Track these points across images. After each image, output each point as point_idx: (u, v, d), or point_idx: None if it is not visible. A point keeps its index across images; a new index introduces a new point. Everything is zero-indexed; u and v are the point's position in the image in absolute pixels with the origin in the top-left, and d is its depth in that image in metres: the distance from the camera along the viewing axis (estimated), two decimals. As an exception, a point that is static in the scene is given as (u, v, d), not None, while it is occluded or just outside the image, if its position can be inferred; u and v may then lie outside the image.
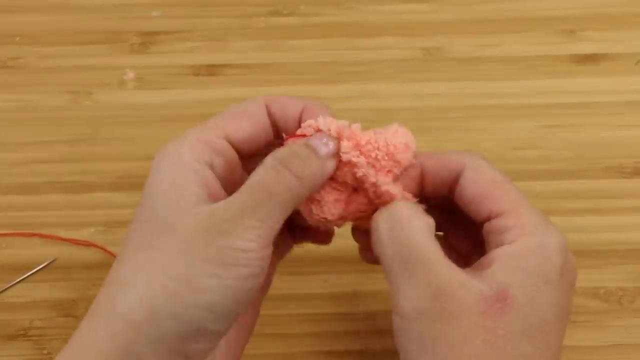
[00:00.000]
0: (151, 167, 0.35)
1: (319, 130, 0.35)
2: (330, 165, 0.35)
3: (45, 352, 0.43)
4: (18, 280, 0.46)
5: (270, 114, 0.36)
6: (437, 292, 0.32)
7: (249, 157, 0.36)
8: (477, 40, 0.58)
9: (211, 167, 0.34)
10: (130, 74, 0.57)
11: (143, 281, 0.31)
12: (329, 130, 0.35)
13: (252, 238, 0.32)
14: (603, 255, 0.47)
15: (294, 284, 0.45)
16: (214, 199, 0.33)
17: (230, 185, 0.35)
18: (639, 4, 0.60)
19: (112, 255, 0.47)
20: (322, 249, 0.46)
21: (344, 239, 0.47)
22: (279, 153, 0.34)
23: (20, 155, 0.52)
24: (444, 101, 0.54)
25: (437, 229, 0.35)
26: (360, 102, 0.55)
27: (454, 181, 0.35)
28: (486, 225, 0.34)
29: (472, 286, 0.32)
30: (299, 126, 0.36)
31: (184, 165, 0.34)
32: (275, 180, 0.33)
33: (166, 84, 0.56)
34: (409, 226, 0.33)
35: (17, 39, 0.59)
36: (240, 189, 0.33)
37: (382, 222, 0.34)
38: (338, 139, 0.35)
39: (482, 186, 0.34)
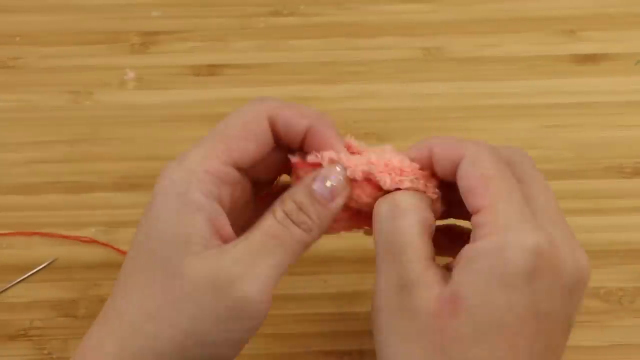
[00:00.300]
0: (153, 198, 0.34)
1: (331, 161, 0.35)
2: (339, 203, 0.35)
3: (45, 352, 0.43)
4: (18, 280, 0.46)
5: (273, 129, 0.35)
6: (402, 288, 0.32)
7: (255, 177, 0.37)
8: (477, 40, 0.58)
9: (220, 200, 0.34)
10: (131, 74, 0.56)
11: (152, 331, 0.32)
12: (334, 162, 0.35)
13: (261, 289, 0.32)
14: (603, 255, 0.47)
15: (294, 284, 0.45)
16: (222, 238, 0.33)
17: (237, 210, 0.35)
18: (638, 4, 0.60)
19: (118, 251, 0.47)
20: (322, 249, 0.46)
21: (344, 239, 0.46)
22: (287, 207, 0.34)
23: (21, 155, 0.52)
24: (444, 101, 0.54)
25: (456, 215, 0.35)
26: (360, 102, 0.55)
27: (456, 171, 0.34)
28: (471, 221, 0.33)
29: (435, 287, 0.31)
30: (303, 144, 0.36)
31: (192, 204, 0.33)
32: (284, 234, 0.33)
33: (166, 84, 0.56)
34: (402, 218, 0.33)
35: (17, 39, 0.59)
36: (249, 235, 0.33)
37: (381, 209, 0.34)
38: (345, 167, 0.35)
39: (472, 179, 0.33)
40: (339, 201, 0.35)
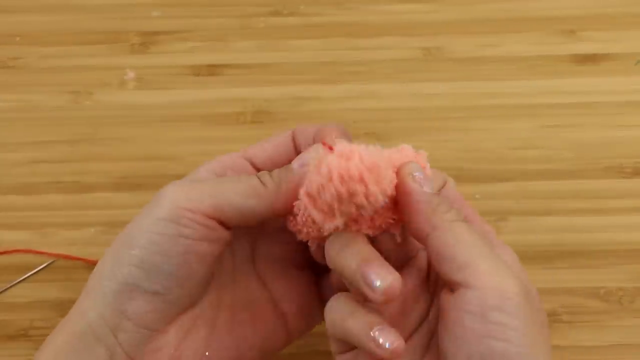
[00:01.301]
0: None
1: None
2: (301, 167, 0.34)
3: (45, 352, 0.43)
4: (19, 280, 0.46)
5: (295, 141, 0.38)
6: None
7: None
8: (478, 40, 0.58)
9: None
10: (131, 74, 0.56)
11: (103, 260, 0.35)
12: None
13: (186, 203, 0.34)
14: (603, 255, 0.47)
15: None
16: None
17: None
18: (638, 4, 0.60)
19: (89, 262, 0.47)
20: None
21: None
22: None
23: (21, 155, 0.52)
24: (444, 101, 0.54)
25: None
26: (360, 102, 0.54)
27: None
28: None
29: None
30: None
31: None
32: (238, 177, 0.35)
33: (166, 84, 0.56)
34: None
35: (18, 39, 0.59)
36: None
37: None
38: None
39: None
40: (302, 167, 0.34)
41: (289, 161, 0.36)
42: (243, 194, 0.34)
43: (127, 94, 0.55)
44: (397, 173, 0.34)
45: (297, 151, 0.37)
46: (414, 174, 0.34)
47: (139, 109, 0.54)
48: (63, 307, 0.44)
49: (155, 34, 0.59)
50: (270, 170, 0.36)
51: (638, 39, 0.58)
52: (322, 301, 0.37)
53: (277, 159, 0.37)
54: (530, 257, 0.46)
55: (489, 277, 0.31)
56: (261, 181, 0.34)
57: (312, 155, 0.34)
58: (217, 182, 0.35)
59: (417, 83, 0.55)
